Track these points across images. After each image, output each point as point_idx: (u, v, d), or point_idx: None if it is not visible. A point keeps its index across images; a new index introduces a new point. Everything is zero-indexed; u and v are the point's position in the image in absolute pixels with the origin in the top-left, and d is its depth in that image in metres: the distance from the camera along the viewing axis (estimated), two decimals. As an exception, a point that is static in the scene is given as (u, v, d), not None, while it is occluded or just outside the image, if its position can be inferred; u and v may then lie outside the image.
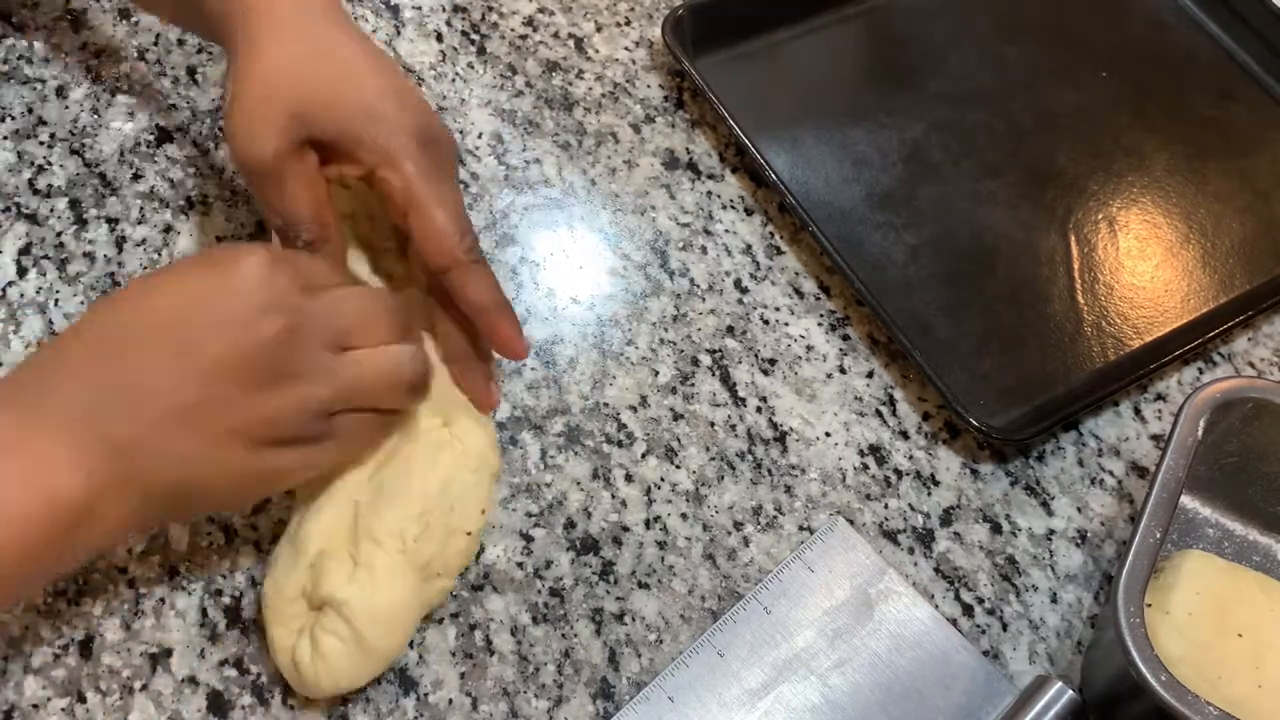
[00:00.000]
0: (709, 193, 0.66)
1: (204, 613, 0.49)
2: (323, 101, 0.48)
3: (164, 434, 0.41)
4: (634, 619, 0.52)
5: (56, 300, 0.56)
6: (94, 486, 0.39)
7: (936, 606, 0.54)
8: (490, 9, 0.71)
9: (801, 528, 0.55)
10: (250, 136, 0.48)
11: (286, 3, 0.49)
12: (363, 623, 0.45)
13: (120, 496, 0.40)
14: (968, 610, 0.54)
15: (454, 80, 0.68)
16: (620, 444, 0.56)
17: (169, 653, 0.48)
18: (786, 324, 0.62)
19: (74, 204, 0.59)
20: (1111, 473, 0.60)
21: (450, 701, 0.49)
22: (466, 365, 0.52)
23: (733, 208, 0.66)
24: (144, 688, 0.47)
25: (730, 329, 0.61)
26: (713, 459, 0.57)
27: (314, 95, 0.48)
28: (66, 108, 0.62)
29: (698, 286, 0.62)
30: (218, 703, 0.47)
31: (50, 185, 0.59)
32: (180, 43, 0.65)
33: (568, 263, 0.62)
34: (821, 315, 0.63)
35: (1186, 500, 0.57)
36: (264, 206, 0.50)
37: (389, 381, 0.45)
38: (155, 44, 0.65)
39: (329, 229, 0.50)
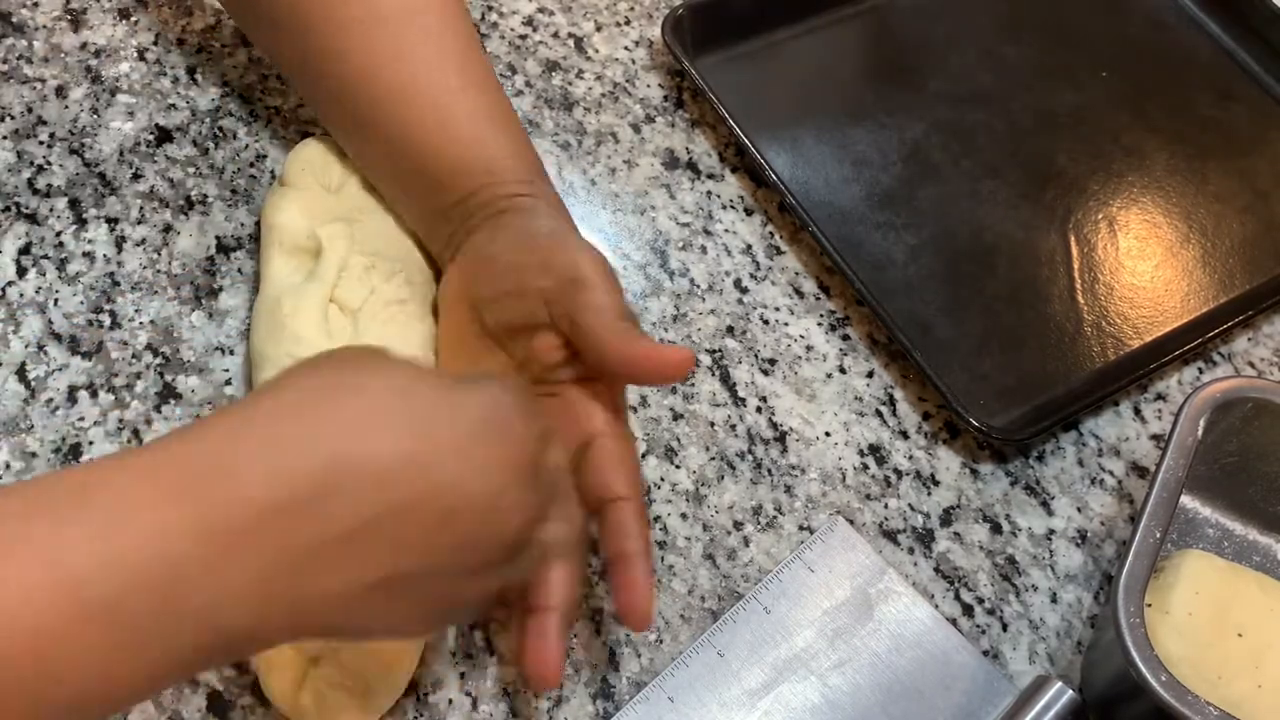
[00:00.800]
0: (709, 193, 0.66)
1: (204, 613, 0.49)
2: (560, 264, 0.49)
3: (354, 601, 0.34)
4: (634, 619, 0.52)
5: (56, 300, 0.56)
6: (263, 628, 0.34)
7: (936, 606, 0.54)
8: (490, 9, 0.71)
9: (801, 527, 0.55)
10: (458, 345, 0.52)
11: (557, 213, 0.51)
12: (360, 667, 0.45)
13: (279, 630, 0.34)
14: (968, 610, 0.54)
15: (454, 80, 0.68)
16: (620, 444, 0.56)
17: (169, 653, 0.48)
18: (786, 324, 0.62)
19: (74, 204, 0.59)
20: (1111, 473, 0.60)
21: (450, 701, 0.49)
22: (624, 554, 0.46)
23: (733, 208, 0.66)
24: (144, 688, 0.47)
25: (730, 329, 0.61)
26: (713, 459, 0.57)
27: (554, 259, 0.49)
28: (66, 108, 0.62)
29: (698, 286, 0.62)
30: (218, 703, 0.47)
31: (50, 185, 0.59)
32: (180, 43, 0.65)
33: (568, 263, 0.62)
34: (821, 315, 0.63)
35: (1186, 500, 0.57)
36: None
37: (568, 545, 0.42)
38: (155, 44, 0.65)
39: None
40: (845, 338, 0.62)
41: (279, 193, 0.57)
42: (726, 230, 0.65)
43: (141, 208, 0.59)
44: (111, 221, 0.58)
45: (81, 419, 0.52)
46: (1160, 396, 0.63)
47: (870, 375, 0.61)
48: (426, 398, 0.36)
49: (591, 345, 0.46)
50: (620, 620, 0.46)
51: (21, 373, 0.53)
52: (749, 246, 0.64)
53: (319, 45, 0.54)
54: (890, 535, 0.56)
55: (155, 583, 0.31)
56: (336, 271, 0.53)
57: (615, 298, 0.47)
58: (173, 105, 0.63)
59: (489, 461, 0.36)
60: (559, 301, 0.47)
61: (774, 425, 0.58)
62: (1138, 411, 0.62)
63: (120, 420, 0.53)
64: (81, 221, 0.58)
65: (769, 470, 0.57)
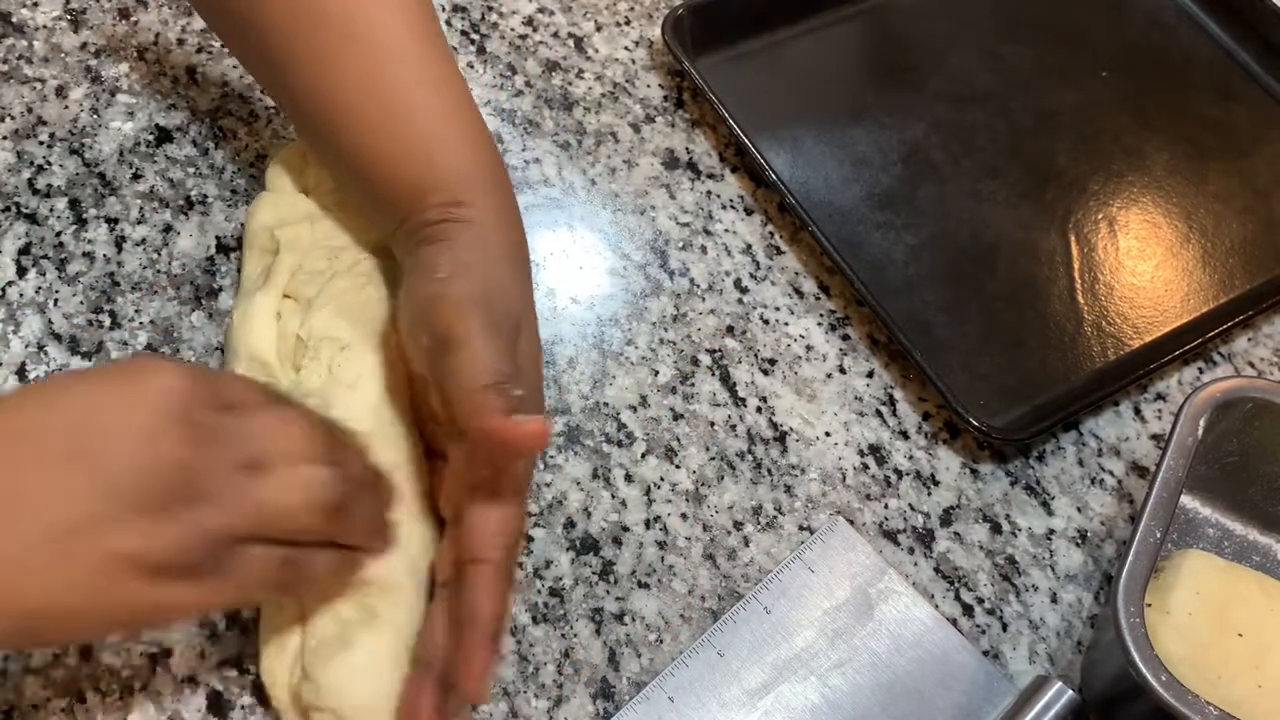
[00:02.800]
0: (709, 192, 0.66)
1: (204, 613, 0.49)
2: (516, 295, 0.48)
3: (37, 554, 0.35)
4: (634, 619, 0.52)
5: (56, 300, 0.56)
6: None
7: (936, 606, 0.54)
8: (490, 9, 0.71)
9: (801, 528, 0.55)
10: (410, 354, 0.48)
11: (479, 240, 0.47)
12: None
13: None
14: (968, 610, 0.54)
15: (454, 80, 0.68)
16: (620, 444, 0.56)
17: (169, 653, 0.48)
18: (786, 324, 0.62)
19: (74, 204, 0.59)
20: (1111, 473, 0.60)
21: (450, 701, 0.49)
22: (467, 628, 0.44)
23: (733, 207, 0.66)
24: (144, 688, 0.47)
25: (730, 329, 0.61)
26: (713, 459, 0.57)
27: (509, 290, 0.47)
28: (66, 108, 0.62)
29: (698, 286, 0.62)
30: (218, 703, 0.47)
31: (50, 185, 0.59)
32: (180, 43, 0.65)
33: (568, 263, 0.62)
34: (821, 315, 0.63)
35: (1186, 500, 0.57)
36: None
37: (301, 504, 0.40)
38: (155, 44, 0.65)
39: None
40: (845, 338, 0.62)
41: (257, 197, 0.57)
42: (726, 230, 0.65)
43: (141, 208, 0.59)
44: (111, 221, 0.58)
45: (81, 419, 0.52)
46: (1160, 396, 0.63)
47: (870, 375, 0.61)
48: (88, 374, 0.40)
49: (454, 414, 0.44)
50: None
51: (21, 373, 0.53)
52: (749, 246, 0.64)
53: (272, 50, 0.51)
54: (890, 535, 0.56)
55: None
56: (289, 273, 0.53)
57: (484, 361, 0.44)
58: (173, 105, 0.63)
59: (125, 410, 0.37)
60: (431, 363, 0.45)
61: (774, 425, 0.58)
62: (1138, 411, 0.62)
63: (120, 420, 0.53)
64: (81, 221, 0.58)
65: (769, 470, 0.57)
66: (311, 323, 0.51)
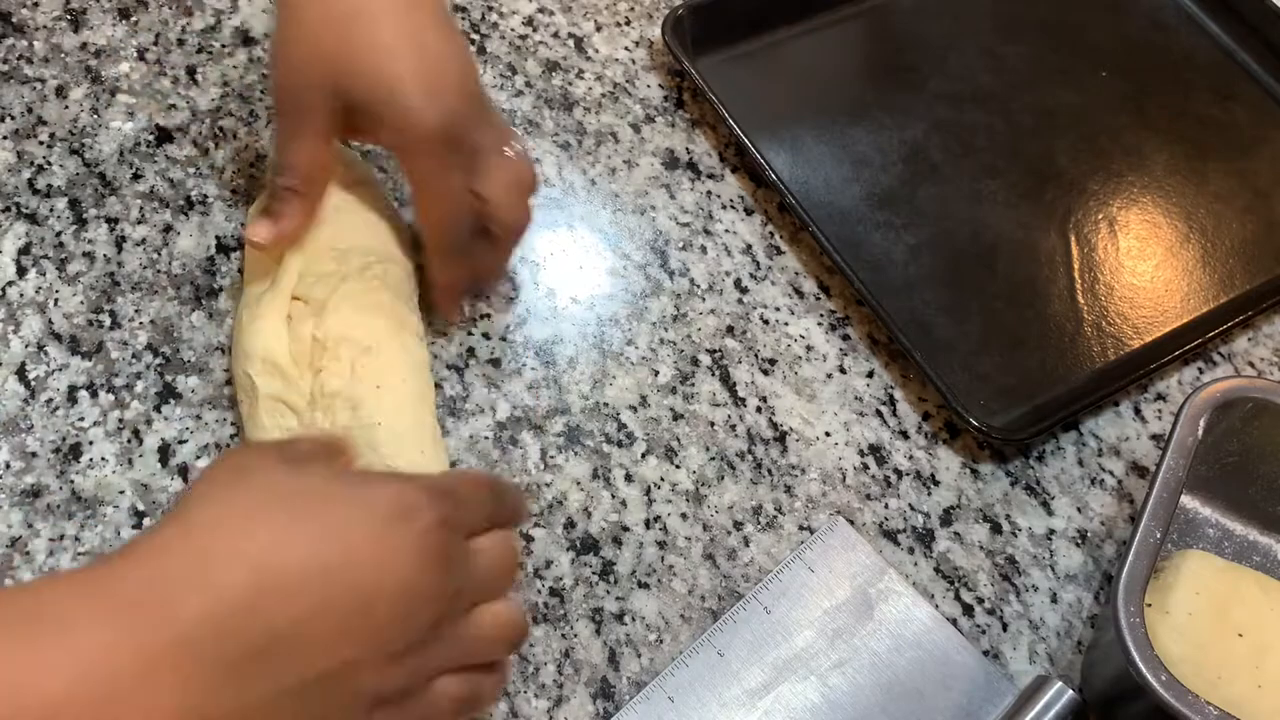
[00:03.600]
0: (709, 193, 0.66)
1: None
2: (358, 70, 0.49)
3: (292, 697, 0.35)
4: (634, 619, 0.52)
5: (56, 300, 0.56)
6: None
7: (936, 606, 0.54)
8: (490, 9, 0.71)
9: (801, 527, 0.55)
10: (289, 86, 0.50)
11: None
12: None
13: None
14: (968, 610, 0.54)
15: (454, 80, 0.68)
16: (620, 444, 0.56)
17: (169, 653, 0.48)
18: (786, 324, 0.62)
19: (74, 204, 0.59)
20: (1111, 473, 0.60)
21: (450, 701, 0.49)
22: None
23: (733, 208, 0.66)
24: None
25: (730, 329, 0.61)
26: (713, 459, 0.57)
27: (353, 63, 0.49)
28: (66, 108, 0.62)
29: (698, 286, 0.62)
30: (218, 703, 0.47)
31: (50, 185, 0.59)
32: (180, 43, 0.65)
33: (568, 263, 0.62)
34: (821, 315, 0.63)
35: (1186, 500, 0.57)
36: (277, 137, 0.52)
37: (499, 638, 0.42)
38: (155, 44, 0.65)
39: (309, 192, 0.52)
40: (845, 338, 0.62)
41: (259, 197, 0.57)
42: (726, 230, 0.65)
43: (141, 208, 0.59)
44: (111, 221, 0.58)
45: (81, 419, 0.52)
46: (1160, 396, 0.63)
47: (870, 375, 0.61)
48: (338, 500, 0.38)
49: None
50: None
51: (21, 373, 0.53)
52: (749, 246, 0.64)
53: None
54: (890, 535, 0.56)
55: (92, 696, 0.32)
56: (296, 275, 0.52)
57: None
58: (173, 105, 0.63)
59: (399, 554, 0.37)
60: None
61: (774, 425, 0.58)
62: (1138, 411, 0.62)
63: (120, 420, 0.53)
64: (81, 221, 0.58)
65: (769, 470, 0.57)
66: (327, 325, 0.51)
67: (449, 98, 0.50)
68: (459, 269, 0.56)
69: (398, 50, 0.49)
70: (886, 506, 0.57)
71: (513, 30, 0.71)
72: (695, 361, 0.60)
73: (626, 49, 0.71)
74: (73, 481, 0.51)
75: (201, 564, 0.35)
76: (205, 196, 0.60)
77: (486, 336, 0.58)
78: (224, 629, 0.34)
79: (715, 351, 0.60)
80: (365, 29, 0.49)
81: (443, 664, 0.40)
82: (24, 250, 0.57)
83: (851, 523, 0.56)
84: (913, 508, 0.57)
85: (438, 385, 0.56)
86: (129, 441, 0.52)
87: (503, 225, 0.54)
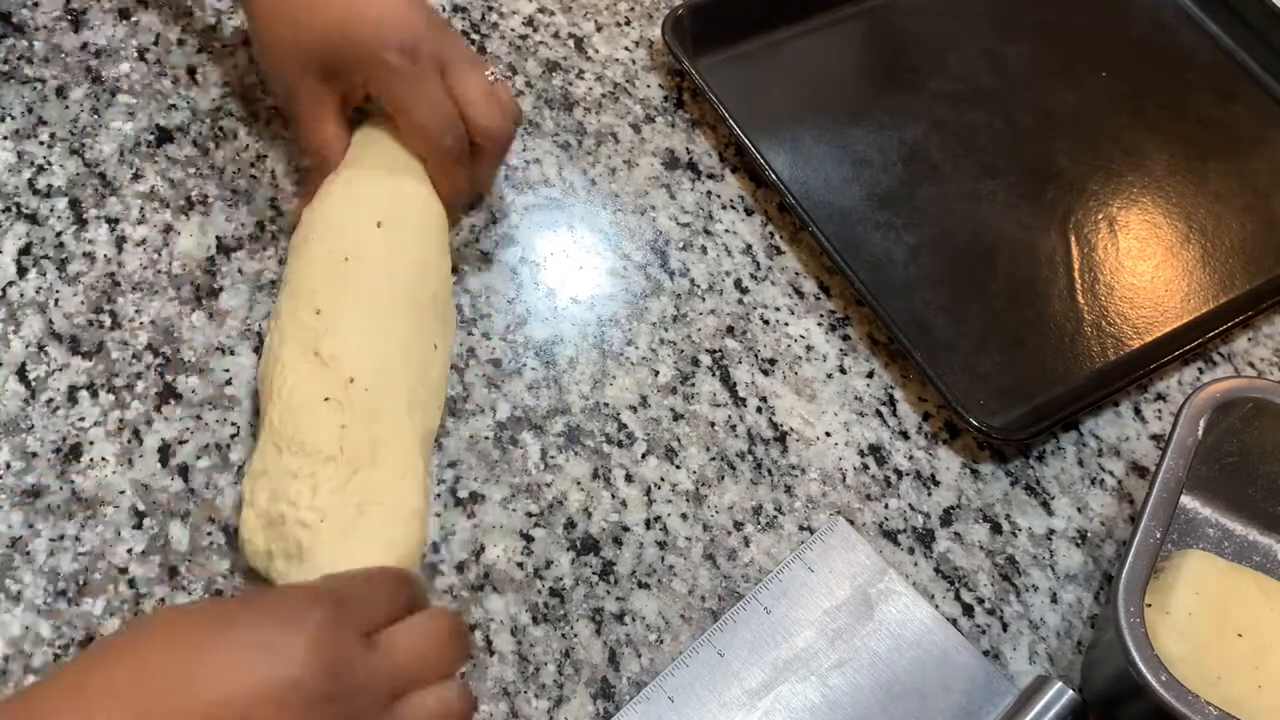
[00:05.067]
0: (709, 193, 0.66)
1: (204, 613, 0.49)
2: (334, 41, 0.55)
3: None
4: (634, 619, 0.52)
5: (56, 300, 0.56)
6: None
7: (936, 606, 0.54)
8: (490, 9, 0.71)
9: (801, 528, 0.55)
10: (277, 73, 0.58)
11: None
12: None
13: None
14: (968, 610, 0.54)
15: (454, 80, 0.68)
16: (620, 444, 0.56)
17: (169, 653, 0.48)
18: (786, 324, 0.62)
19: (74, 204, 0.59)
20: (1111, 473, 0.60)
21: (450, 701, 0.49)
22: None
23: (733, 208, 0.66)
24: (144, 688, 0.47)
25: (730, 329, 0.61)
26: (713, 459, 0.57)
27: (327, 36, 0.55)
28: (66, 108, 0.62)
29: (698, 286, 0.62)
30: (218, 703, 0.47)
31: (50, 185, 0.59)
32: (180, 43, 0.65)
33: (568, 263, 0.62)
34: (821, 315, 0.63)
35: (1186, 500, 0.57)
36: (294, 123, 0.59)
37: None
38: (155, 44, 0.65)
39: (327, 162, 0.57)
40: (845, 338, 0.62)
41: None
42: (726, 230, 0.65)
43: (142, 208, 0.59)
44: (112, 221, 0.58)
45: (82, 419, 0.52)
46: (1160, 396, 0.63)
47: (870, 375, 0.61)
48: (229, 623, 0.39)
49: None
50: None
51: (22, 373, 0.53)
52: (749, 246, 0.64)
53: None
54: (890, 535, 0.56)
55: None
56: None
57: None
58: (173, 105, 0.63)
59: (286, 659, 0.38)
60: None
61: (774, 425, 0.58)
62: (1138, 411, 0.62)
63: (120, 420, 0.53)
64: (82, 221, 0.58)
65: (769, 470, 0.57)
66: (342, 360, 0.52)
67: (399, 15, 0.55)
68: (459, 177, 0.58)
69: (359, 6, 0.55)
70: (886, 506, 0.57)
71: (513, 30, 0.71)
72: (695, 362, 0.60)
73: (626, 49, 0.71)
74: (73, 482, 0.51)
75: (82, 708, 0.36)
76: (205, 196, 0.60)
77: (486, 336, 0.58)
78: None
79: (715, 351, 0.60)
80: (327, 9, 0.55)
81: None
82: (24, 250, 0.57)
83: (851, 523, 0.56)
84: (913, 508, 0.57)
85: (438, 385, 0.56)
86: (129, 442, 0.52)
87: (482, 131, 0.56)
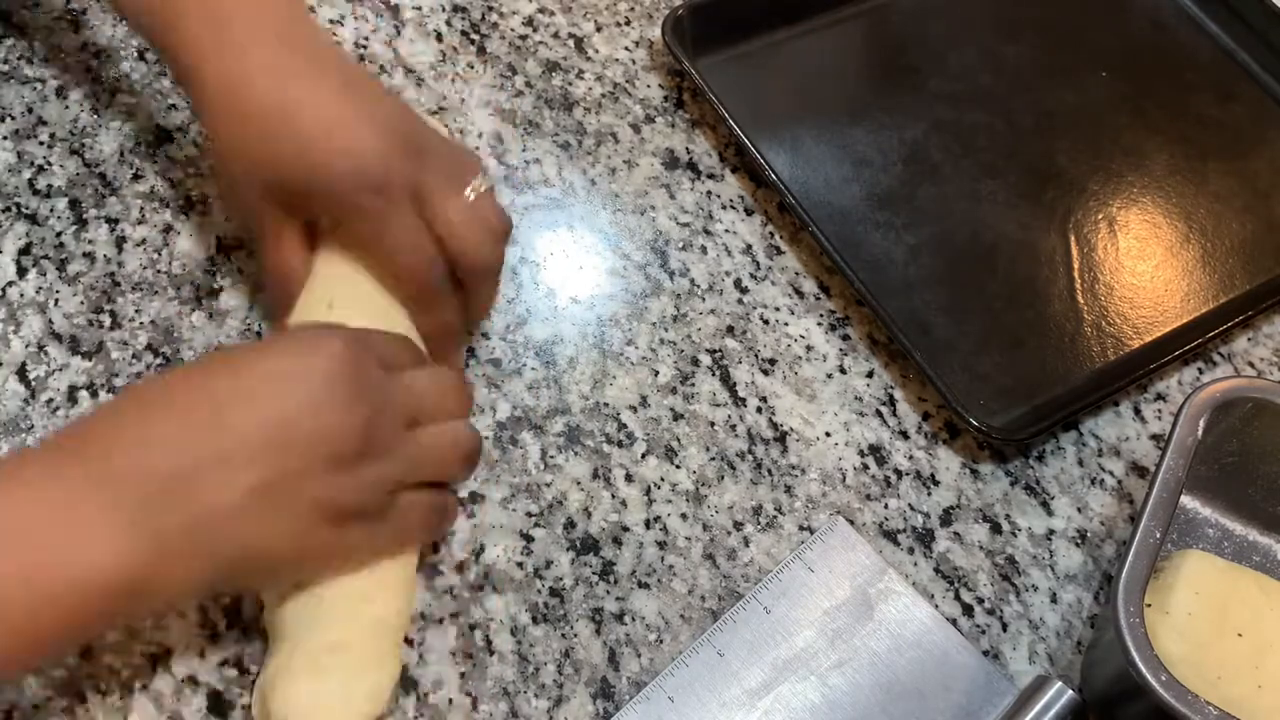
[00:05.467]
0: (709, 193, 0.66)
1: (204, 613, 0.49)
2: (296, 179, 0.49)
3: (247, 507, 0.41)
4: (634, 619, 0.52)
5: (56, 300, 0.56)
6: (157, 563, 0.39)
7: (936, 606, 0.54)
8: (490, 9, 0.71)
9: (801, 528, 0.55)
10: (235, 197, 0.56)
11: (239, 63, 0.49)
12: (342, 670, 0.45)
13: (187, 568, 0.40)
14: (968, 610, 0.54)
15: (454, 80, 0.68)
16: (620, 444, 0.56)
17: (169, 653, 0.48)
18: (786, 324, 0.62)
19: (74, 204, 0.59)
20: (1111, 473, 0.60)
21: (450, 701, 0.49)
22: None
23: (733, 208, 0.66)
24: (144, 688, 0.47)
25: (730, 329, 0.61)
26: (713, 459, 0.57)
27: (289, 174, 0.49)
28: (66, 108, 0.62)
29: (698, 286, 0.62)
30: (218, 703, 0.47)
31: (50, 185, 0.59)
32: (180, 43, 0.65)
33: (568, 263, 0.62)
34: (821, 315, 0.63)
35: (1186, 500, 0.57)
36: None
37: (451, 455, 0.48)
38: (155, 44, 0.65)
39: (289, 294, 0.52)
40: (845, 338, 0.62)
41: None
42: (726, 230, 0.65)
43: (141, 208, 0.59)
44: (112, 222, 0.58)
45: (82, 419, 0.52)
46: (1160, 396, 0.63)
47: (870, 375, 0.61)
48: (257, 356, 0.45)
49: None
50: None
51: (22, 373, 0.53)
52: (749, 246, 0.64)
53: None
54: (890, 535, 0.56)
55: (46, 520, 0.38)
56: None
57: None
58: (173, 105, 0.63)
59: (309, 376, 0.42)
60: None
61: (774, 425, 0.58)
62: (1138, 411, 0.62)
63: (120, 420, 0.53)
64: (82, 222, 0.58)
65: (769, 470, 0.57)
66: None
67: (370, 158, 0.48)
68: (441, 315, 0.52)
69: (309, 135, 0.48)
70: (886, 506, 0.57)
71: (513, 30, 0.71)
72: (695, 361, 0.60)
73: (626, 49, 0.71)
74: (73, 481, 0.51)
75: (138, 418, 0.41)
76: (205, 196, 0.60)
77: (486, 336, 0.58)
78: (146, 464, 0.40)
79: (715, 351, 0.60)
80: (281, 140, 0.48)
81: (398, 476, 0.45)
82: (24, 250, 0.57)
83: (851, 523, 0.56)
84: (913, 508, 0.57)
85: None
86: (129, 441, 0.52)
87: (468, 266, 0.51)
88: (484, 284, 0.54)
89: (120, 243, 0.58)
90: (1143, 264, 0.67)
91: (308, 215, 0.51)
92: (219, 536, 0.40)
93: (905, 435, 0.59)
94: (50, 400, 0.53)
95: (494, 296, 0.56)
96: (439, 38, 0.69)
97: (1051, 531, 0.57)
